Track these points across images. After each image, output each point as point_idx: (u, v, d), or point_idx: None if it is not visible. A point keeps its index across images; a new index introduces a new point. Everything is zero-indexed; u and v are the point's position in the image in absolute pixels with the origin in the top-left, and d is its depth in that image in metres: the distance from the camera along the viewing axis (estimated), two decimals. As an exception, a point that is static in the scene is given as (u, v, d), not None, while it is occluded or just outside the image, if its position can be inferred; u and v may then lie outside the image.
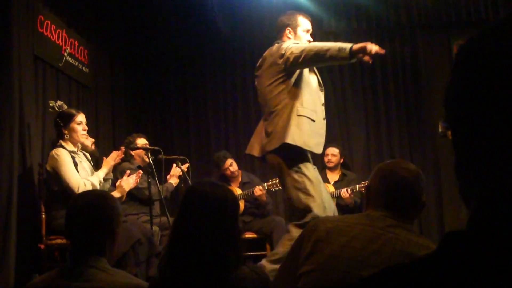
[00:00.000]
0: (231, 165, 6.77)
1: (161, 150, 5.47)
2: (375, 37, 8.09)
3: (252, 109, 8.11)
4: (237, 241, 2.22)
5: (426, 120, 7.83)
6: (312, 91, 4.43)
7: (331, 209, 4.34)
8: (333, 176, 7.06)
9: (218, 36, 7.97)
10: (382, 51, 3.96)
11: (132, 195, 5.53)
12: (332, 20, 7.91)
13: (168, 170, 6.00)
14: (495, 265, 0.61)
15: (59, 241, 4.78)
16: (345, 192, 6.50)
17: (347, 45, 4.03)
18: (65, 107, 5.09)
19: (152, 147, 5.64)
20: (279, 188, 6.60)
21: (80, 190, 4.53)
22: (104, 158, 5.17)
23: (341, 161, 7.12)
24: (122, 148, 5.31)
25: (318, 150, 4.37)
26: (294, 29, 4.62)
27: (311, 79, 4.48)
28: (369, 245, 2.02)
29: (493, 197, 0.66)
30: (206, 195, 2.20)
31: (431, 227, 7.51)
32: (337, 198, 6.67)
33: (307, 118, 4.30)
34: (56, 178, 4.76)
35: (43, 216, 4.83)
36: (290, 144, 4.21)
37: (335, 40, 8.03)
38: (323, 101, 4.54)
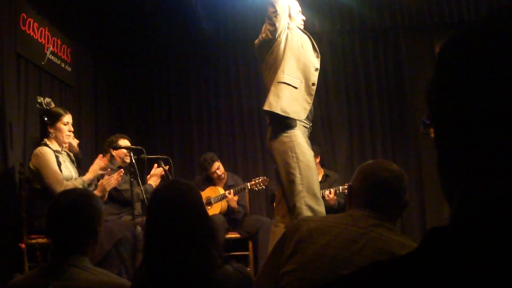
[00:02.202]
0: (218, 168, 6.72)
1: (144, 150, 5.43)
2: (359, 38, 8.14)
3: (235, 109, 8.12)
4: (211, 232, 2.23)
5: (409, 121, 7.87)
6: (299, 57, 4.38)
7: (319, 207, 4.22)
8: (316, 177, 7.00)
9: (201, 36, 7.96)
10: None
11: (113, 196, 5.49)
12: (316, 21, 7.92)
13: (150, 170, 5.96)
14: (477, 261, 0.61)
15: (40, 240, 4.75)
16: (328, 195, 6.45)
17: None
18: (53, 105, 5.10)
19: (135, 147, 5.59)
20: (263, 187, 6.58)
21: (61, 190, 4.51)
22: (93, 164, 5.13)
23: (318, 160, 7.06)
24: (108, 155, 5.26)
25: (299, 116, 4.28)
26: (289, 11, 4.61)
27: (301, 45, 4.44)
28: (352, 245, 2.02)
29: (475, 193, 0.67)
30: (164, 200, 2.22)
31: (413, 227, 7.54)
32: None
33: (287, 84, 4.26)
34: (38, 176, 4.73)
35: (24, 215, 4.80)
36: (268, 111, 4.23)
37: (319, 42, 8.06)
38: (317, 66, 4.45)
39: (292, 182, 4.16)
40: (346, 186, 6.41)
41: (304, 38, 4.51)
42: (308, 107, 4.36)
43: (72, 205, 2.37)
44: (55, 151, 4.85)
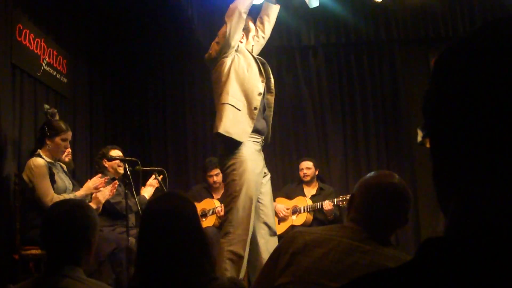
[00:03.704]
0: (216, 175, 6.75)
1: (139, 162, 5.40)
2: (354, 51, 8.16)
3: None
4: (204, 246, 2.22)
5: (404, 134, 7.88)
6: (244, 81, 4.45)
7: (244, 253, 4.26)
8: (310, 190, 6.98)
9: (197, 48, 7.96)
10: None
11: (106, 208, 5.45)
12: (311, 34, 7.95)
13: (145, 182, 5.94)
14: (473, 272, 0.61)
15: (34, 251, 4.72)
16: (327, 204, 6.44)
17: None
18: (57, 117, 5.09)
19: (130, 158, 5.55)
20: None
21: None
22: (89, 180, 5.10)
23: (316, 173, 7.07)
24: (115, 183, 5.26)
25: (240, 138, 4.35)
26: (247, 33, 4.66)
27: (247, 70, 4.49)
28: (346, 258, 2.01)
29: (471, 204, 0.67)
30: (158, 213, 2.21)
31: (408, 239, 7.52)
32: (315, 212, 6.63)
33: (231, 106, 4.36)
34: (30, 188, 4.72)
35: (18, 226, 4.77)
36: (213, 133, 4.40)
37: (314, 55, 8.10)
38: (260, 91, 4.49)
39: (228, 211, 4.29)
40: (339, 199, 6.41)
41: (251, 62, 4.57)
42: (249, 130, 4.41)
43: (66, 215, 2.36)
44: (48, 162, 4.84)
